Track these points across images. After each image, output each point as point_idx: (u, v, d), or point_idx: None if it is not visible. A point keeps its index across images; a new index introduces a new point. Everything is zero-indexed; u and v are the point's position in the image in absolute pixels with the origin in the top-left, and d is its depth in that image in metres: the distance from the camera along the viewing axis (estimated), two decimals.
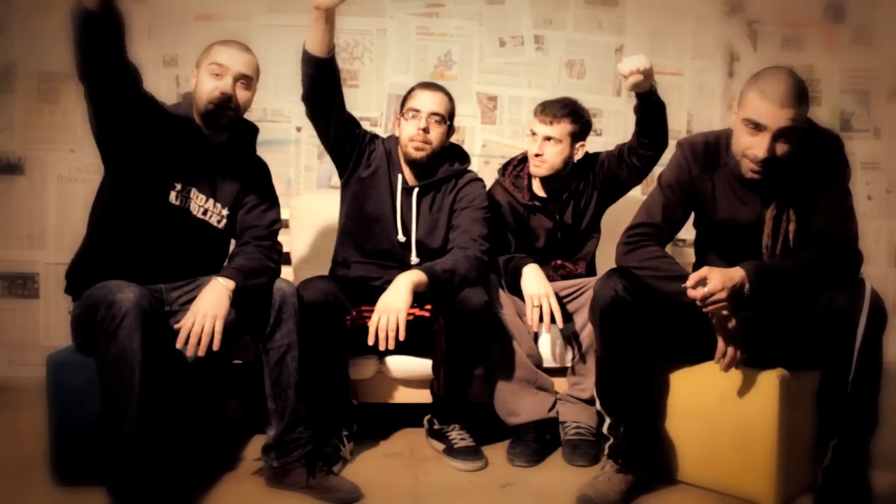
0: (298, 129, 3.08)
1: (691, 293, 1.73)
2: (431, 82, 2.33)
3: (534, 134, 2.32)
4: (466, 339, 2.11)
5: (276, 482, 1.92)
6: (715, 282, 1.72)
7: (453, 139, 2.36)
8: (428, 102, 2.22)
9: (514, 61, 3.18)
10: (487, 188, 2.39)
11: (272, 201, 2.08)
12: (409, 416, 2.39)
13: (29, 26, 2.94)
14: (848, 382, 1.72)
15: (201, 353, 1.73)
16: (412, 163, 2.24)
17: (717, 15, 3.26)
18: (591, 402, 2.19)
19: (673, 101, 3.26)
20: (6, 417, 2.49)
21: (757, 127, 1.73)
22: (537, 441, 2.19)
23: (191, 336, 1.72)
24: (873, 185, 3.31)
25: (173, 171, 1.92)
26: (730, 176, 1.90)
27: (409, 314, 2.01)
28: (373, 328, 1.95)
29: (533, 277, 2.23)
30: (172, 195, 1.92)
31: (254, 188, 2.04)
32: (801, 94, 1.72)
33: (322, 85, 2.12)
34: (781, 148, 1.74)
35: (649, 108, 2.19)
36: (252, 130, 2.09)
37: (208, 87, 1.89)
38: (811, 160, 1.81)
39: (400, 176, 2.27)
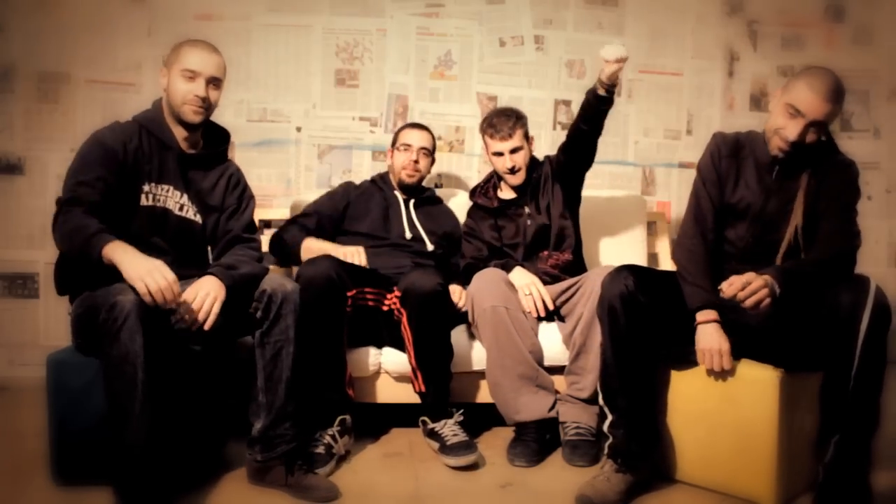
0: (298, 129, 3.08)
1: (740, 295, 1.78)
2: (419, 123, 2.72)
3: (499, 154, 2.49)
4: (424, 324, 2.16)
5: (258, 479, 1.95)
6: (758, 281, 1.78)
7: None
8: (416, 139, 2.61)
9: (514, 61, 3.18)
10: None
11: (248, 203, 2.12)
12: (408, 416, 2.39)
13: (29, 26, 2.93)
14: (850, 378, 1.74)
15: (203, 324, 1.77)
16: (404, 187, 2.62)
17: (717, 15, 3.26)
18: (590, 401, 2.20)
19: (673, 100, 3.27)
20: (6, 417, 2.49)
21: (796, 112, 1.85)
22: (537, 441, 2.20)
23: (193, 308, 1.76)
24: (873, 185, 3.29)
25: (142, 176, 1.94)
26: (754, 166, 1.99)
27: (387, 305, 2.27)
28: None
29: (521, 273, 2.38)
30: (143, 198, 1.94)
31: (231, 192, 2.09)
32: (840, 95, 1.88)
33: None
34: (811, 136, 1.88)
35: (608, 98, 2.23)
36: (223, 137, 2.13)
37: (182, 91, 1.95)
38: (828, 176, 1.92)
39: (396, 193, 2.63)
